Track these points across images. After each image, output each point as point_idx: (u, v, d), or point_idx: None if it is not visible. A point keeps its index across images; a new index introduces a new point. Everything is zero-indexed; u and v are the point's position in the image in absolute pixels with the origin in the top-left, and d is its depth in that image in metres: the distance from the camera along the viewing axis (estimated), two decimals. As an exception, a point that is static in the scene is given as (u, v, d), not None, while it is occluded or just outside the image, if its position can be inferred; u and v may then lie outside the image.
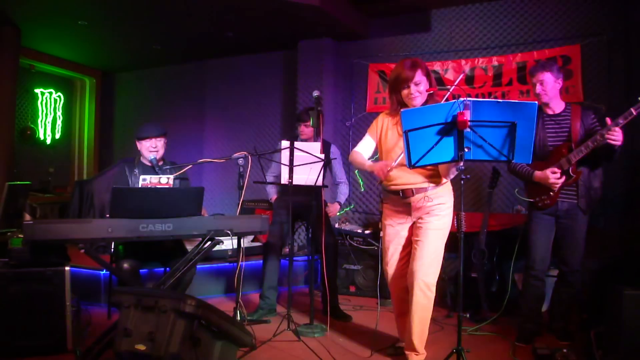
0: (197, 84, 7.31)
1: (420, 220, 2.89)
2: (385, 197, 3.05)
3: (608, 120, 3.03)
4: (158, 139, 3.54)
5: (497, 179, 4.09)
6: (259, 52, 6.69)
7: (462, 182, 2.55)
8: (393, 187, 2.90)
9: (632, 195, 4.38)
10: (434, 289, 2.85)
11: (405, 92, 2.82)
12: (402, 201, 2.91)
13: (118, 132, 8.22)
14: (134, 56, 7.20)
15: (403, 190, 2.88)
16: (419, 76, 2.79)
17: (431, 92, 2.86)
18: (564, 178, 3.24)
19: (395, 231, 3.00)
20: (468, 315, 3.99)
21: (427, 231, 2.85)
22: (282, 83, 6.66)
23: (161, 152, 3.58)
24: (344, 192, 4.26)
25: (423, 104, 2.83)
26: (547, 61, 3.37)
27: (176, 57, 7.18)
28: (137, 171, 3.52)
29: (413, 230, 2.96)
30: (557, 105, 3.36)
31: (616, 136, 2.99)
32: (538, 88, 3.30)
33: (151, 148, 3.53)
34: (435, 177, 2.84)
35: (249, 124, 6.87)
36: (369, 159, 3.08)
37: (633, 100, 2.96)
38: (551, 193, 3.30)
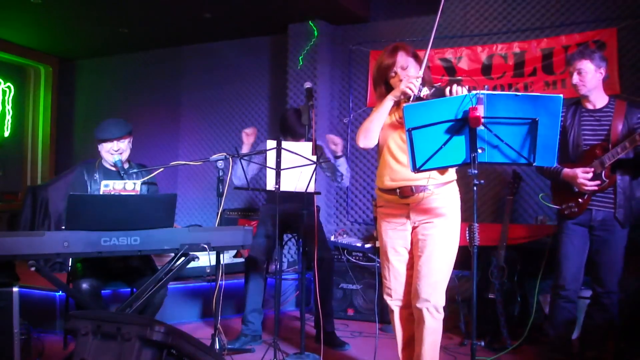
0: (171, 74, 7.30)
1: (422, 230, 2.86)
2: (380, 199, 3.01)
3: None
4: (121, 140, 3.53)
5: (518, 184, 4.11)
6: (243, 37, 6.70)
7: (475, 188, 2.54)
8: (389, 185, 2.87)
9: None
10: (442, 310, 2.84)
11: (392, 80, 2.84)
12: (400, 202, 2.88)
13: (78, 129, 8.21)
14: (96, 41, 7.19)
15: (401, 189, 2.83)
16: (404, 59, 2.81)
17: (431, 78, 2.88)
18: (596, 182, 3.24)
19: (393, 238, 2.96)
20: (483, 344, 4.00)
21: (432, 245, 2.81)
22: (269, 73, 6.67)
23: (126, 154, 3.58)
24: (343, 164, 4.06)
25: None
26: (587, 48, 3.36)
27: (146, 43, 7.18)
28: (97, 176, 3.52)
29: (414, 241, 2.92)
30: (598, 100, 3.35)
31: None
32: (575, 78, 3.29)
33: (112, 151, 3.52)
34: (438, 172, 2.81)
35: (231, 120, 6.87)
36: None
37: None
38: (580, 200, 3.30)
